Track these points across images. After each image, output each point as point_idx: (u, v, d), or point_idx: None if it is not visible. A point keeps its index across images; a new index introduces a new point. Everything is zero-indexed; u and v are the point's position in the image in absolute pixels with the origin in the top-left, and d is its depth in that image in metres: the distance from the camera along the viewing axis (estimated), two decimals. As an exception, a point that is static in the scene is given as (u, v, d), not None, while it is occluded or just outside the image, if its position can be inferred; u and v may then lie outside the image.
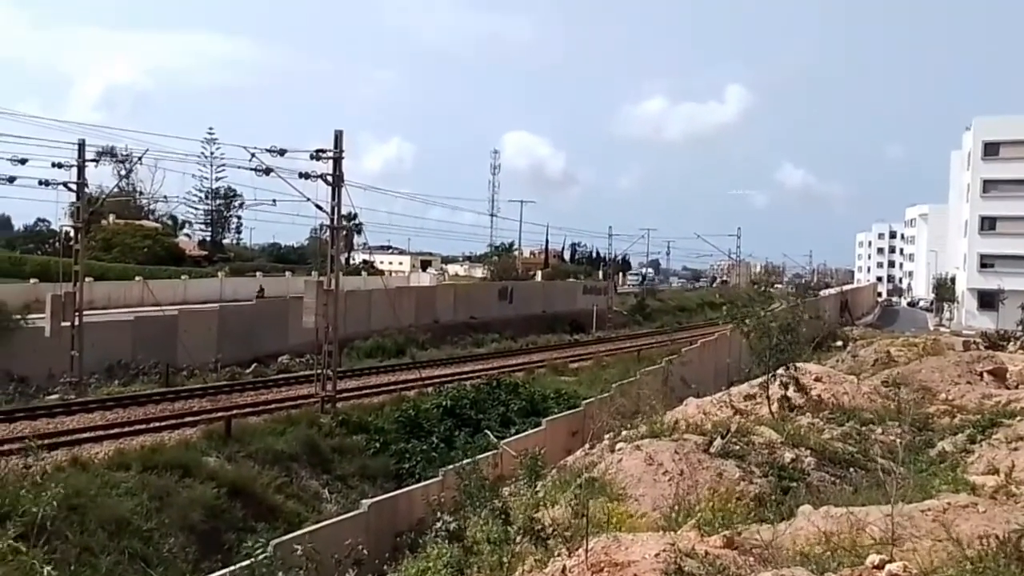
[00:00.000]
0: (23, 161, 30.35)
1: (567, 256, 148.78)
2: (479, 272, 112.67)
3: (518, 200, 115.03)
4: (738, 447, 11.55)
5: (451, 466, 17.50)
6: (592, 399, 24.28)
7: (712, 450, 11.15)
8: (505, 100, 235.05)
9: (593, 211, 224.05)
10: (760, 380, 18.74)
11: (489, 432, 24.62)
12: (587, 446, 17.86)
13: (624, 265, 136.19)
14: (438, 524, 10.21)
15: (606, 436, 16.01)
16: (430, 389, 33.08)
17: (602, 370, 41.83)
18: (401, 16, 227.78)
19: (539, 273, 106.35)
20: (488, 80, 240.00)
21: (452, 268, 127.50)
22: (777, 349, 18.34)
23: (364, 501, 16.64)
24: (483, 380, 34.80)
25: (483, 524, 9.35)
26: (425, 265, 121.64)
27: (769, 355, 18.62)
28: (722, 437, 11.51)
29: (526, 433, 22.75)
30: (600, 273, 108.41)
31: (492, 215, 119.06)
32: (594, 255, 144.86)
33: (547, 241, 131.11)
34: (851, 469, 12.16)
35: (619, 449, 11.59)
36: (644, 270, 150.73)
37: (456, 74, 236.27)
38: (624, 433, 14.22)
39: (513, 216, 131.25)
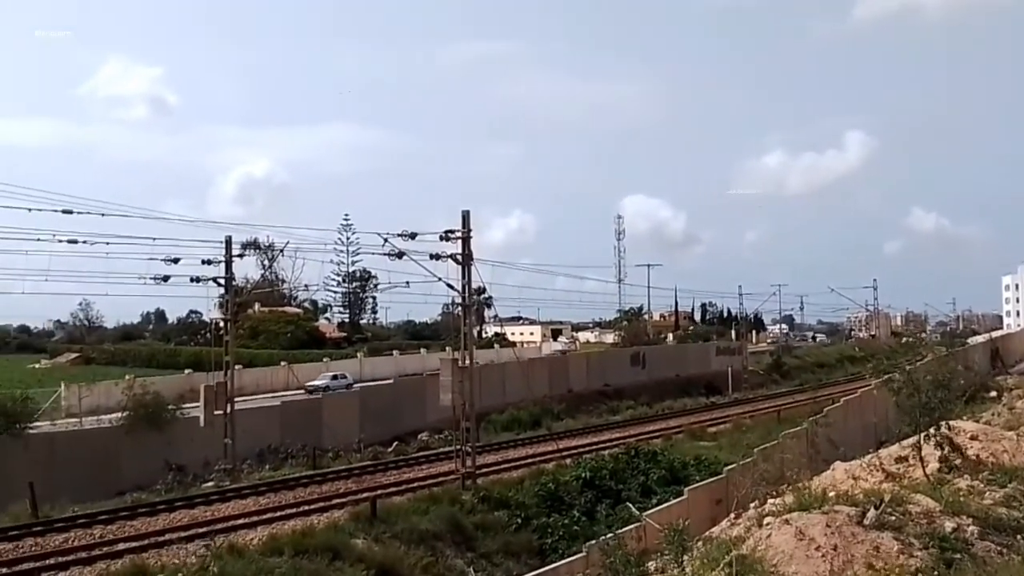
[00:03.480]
0: (175, 260, 32.30)
1: (697, 317, 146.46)
2: (610, 338, 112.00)
3: (644, 264, 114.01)
4: (894, 518, 11.01)
5: (594, 541, 17.34)
6: (734, 465, 23.63)
7: (866, 522, 10.67)
8: (620, 164, 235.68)
9: (719, 270, 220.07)
10: (911, 440, 17.85)
11: (630, 504, 24.33)
12: (732, 516, 17.36)
13: (757, 323, 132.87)
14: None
15: (751, 504, 15.56)
16: (568, 460, 32.98)
17: (742, 434, 40.78)
18: (514, 91, 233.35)
19: (670, 336, 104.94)
20: (602, 146, 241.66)
21: (583, 335, 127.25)
22: (927, 407, 17.44)
23: (509, 580, 16.70)
24: (621, 449, 34.42)
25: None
26: (556, 334, 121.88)
27: (919, 413, 17.73)
28: (875, 508, 11.01)
29: (668, 504, 22.33)
30: (732, 333, 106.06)
31: (619, 280, 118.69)
32: (725, 315, 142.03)
33: (676, 303, 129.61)
34: (1018, 537, 11.40)
35: (767, 524, 11.26)
36: (778, 327, 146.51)
37: (570, 143, 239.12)
38: (770, 503, 13.81)
39: (639, 280, 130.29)
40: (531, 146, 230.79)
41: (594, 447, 36.77)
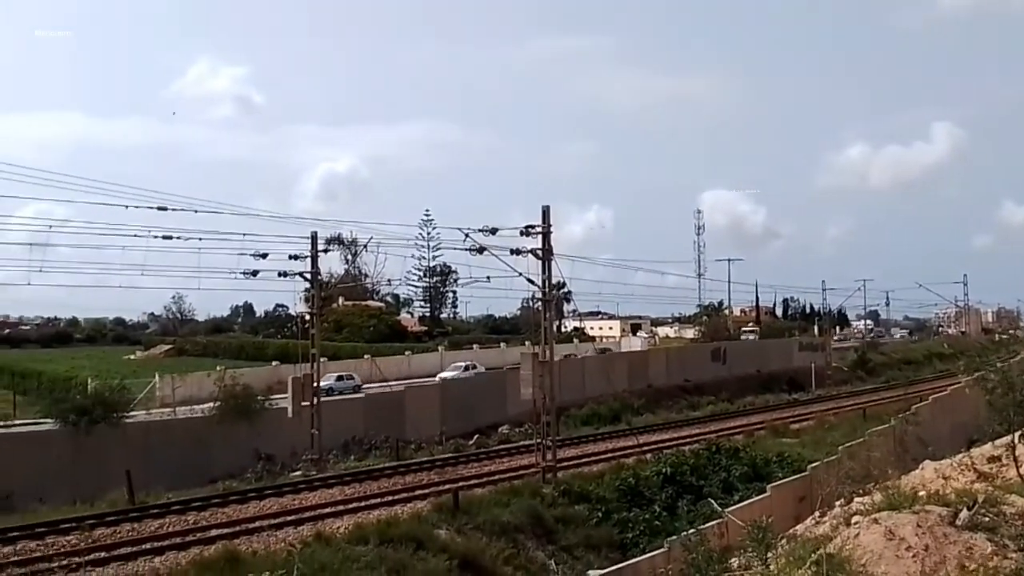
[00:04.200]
0: (264, 255, 33.19)
1: (779, 312, 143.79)
2: (689, 333, 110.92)
3: (724, 259, 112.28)
4: (987, 518, 10.71)
5: (676, 536, 17.28)
6: (818, 463, 23.27)
7: (958, 523, 10.42)
8: (699, 158, 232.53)
9: (800, 264, 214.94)
10: (1005, 440, 17.31)
11: (712, 500, 24.13)
12: (817, 514, 17.09)
13: (840, 319, 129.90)
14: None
15: (836, 503, 15.31)
16: (648, 455, 32.84)
17: (825, 431, 39.98)
18: (592, 87, 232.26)
19: (751, 331, 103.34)
20: (681, 140, 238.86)
21: (662, 330, 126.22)
22: (1022, 406, 16.89)
23: (591, 573, 16.72)
24: (702, 445, 34.12)
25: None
26: (635, 329, 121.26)
27: (1014, 412, 17.18)
28: (968, 508, 10.74)
29: (750, 500, 22.09)
30: (815, 328, 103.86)
31: (699, 275, 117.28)
32: (807, 310, 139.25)
33: (757, 298, 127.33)
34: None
35: (855, 523, 11.08)
36: (862, 323, 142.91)
37: (648, 137, 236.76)
38: (856, 501, 13.59)
39: (719, 275, 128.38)
40: (609, 141, 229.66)
41: (674, 443, 36.54)
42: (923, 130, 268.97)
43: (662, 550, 16.90)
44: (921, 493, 12.49)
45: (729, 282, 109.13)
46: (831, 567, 9.14)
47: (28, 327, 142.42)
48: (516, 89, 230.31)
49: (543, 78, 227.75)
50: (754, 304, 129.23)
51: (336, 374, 52.16)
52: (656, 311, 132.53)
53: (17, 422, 40.97)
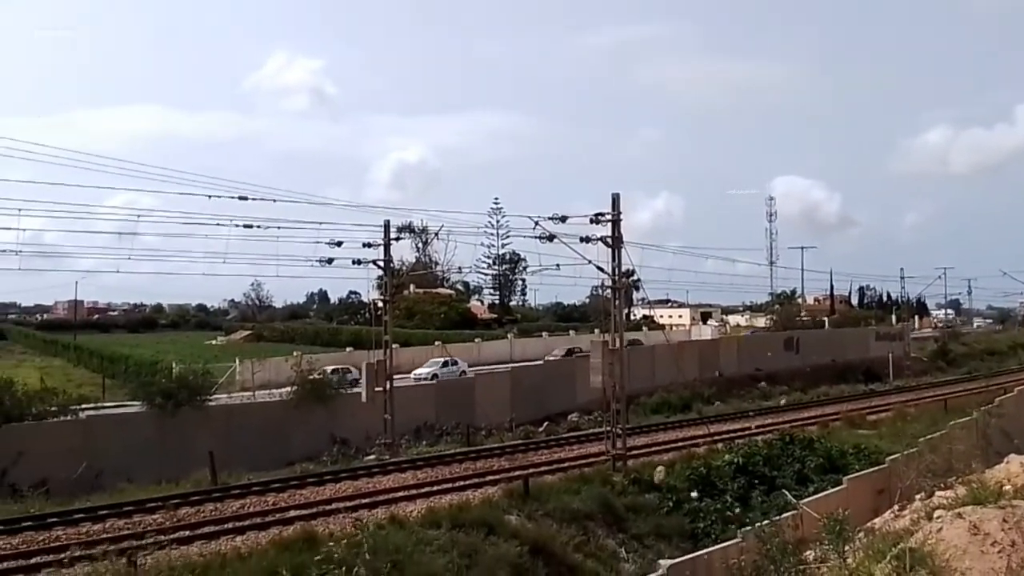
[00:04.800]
0: (339, 244, 33.73)
1: (854, 301, 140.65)
2: (761, 322, 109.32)
3: (797, 246, 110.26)
4: (1076, 514, 10.47)
5: (749, 527, 17.17)
6: (897, 455, 22.85)
7: (1046, 518, 10.21)
8: (771, 145, 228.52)
9: (877, 252, 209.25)
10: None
11: (786, 491, 23.88)
12: (896, 507, 16.81)
13: (920, 308, 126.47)
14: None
15: (916, 497, 15.05)
16: (719, 445, 32.56)
17: (904, 423, 39.09)
18: (660, 74, 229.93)
19: (826, 320, 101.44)
20: (751, 126, 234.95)
21: (733, 319, 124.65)
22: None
23: (662, 562, 16.66)
24: (775, 435, 33.72)
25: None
26: (705, 317, 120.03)
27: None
28: (1056, 504, 10.49)
29: (826, 492, 21.80)
30: (893, 318, 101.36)
31: (771, 263, 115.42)
32: (884, 299, 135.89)
33: (832, 287, 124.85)
34: None
35: (938, 517, 10.89)
36: (943, 312, 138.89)
37: (718, 123, 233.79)
38: (938, 495, 13.34)
39: (792, 262, 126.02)
40: (678, 128, 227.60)
41: (746, 432, 36.16)
42: (1006, 112, 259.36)
43: (735, 540, 16.82)
44: (1007, 487, 12.22)
45: (802, 270, 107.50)
46: (912, 562, 9.01)
47: (116, 313, 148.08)
48: (585, 78, 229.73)
49: (612, 66, 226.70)
50: (828, 293, 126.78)
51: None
52: (727, 299, 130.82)
53: (106, 404, 42.53)
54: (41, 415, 32.31)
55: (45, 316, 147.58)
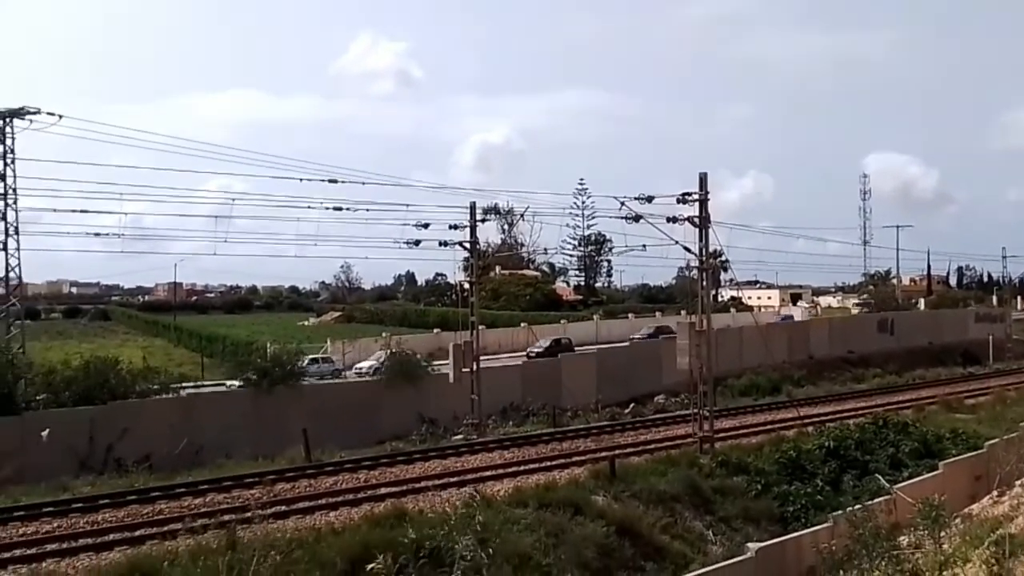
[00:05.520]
0: (425, 226, 34.18)
1: (952, 282, 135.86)
2: (853, 303, 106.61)
3: (892, 225, 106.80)
4: None
5: (840, 511, 16.94)
6: (996, 440, 22.15)
7: None
8: (863, 120, 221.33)
9: (976, 231, 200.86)
10: None
11: (879, 476, 23.43)
12: (995, 493, 16.41)
13: (1022, 288, 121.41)
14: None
15: (1017, 483, 14.65)
16: (810, 428, 32.05)
17: (1005, 407, 37.84)
18: (747, 49, 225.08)
19: (922, 301, 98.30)
20: (843, 101, 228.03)
21: (824, 300, 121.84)
22: None
23: (750, 545, 16.57)
24: (867, 419, 33.01)
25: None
26: (795, 298, 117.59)
27: None
28: None
29: (921, 477, 21.34)
30: (994, 298, 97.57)
31: (864, 243, 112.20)
32: (985, 279, 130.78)
33: (928, 267, 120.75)
34: None
35: (1037, 504, 10.60)
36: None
37: (808, 100, 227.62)
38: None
39: (886, 242, 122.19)
40: (767, 104, 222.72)
41: (838, 416, 35.50)
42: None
43: (826, 524, 16.64)
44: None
45: (897, 249, 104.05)
46: (1012, 548, 8.82)
47: (213, 295, 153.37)
48: (669, 55, 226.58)
49: (698, 42, 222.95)
50: (924, 273, 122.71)
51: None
52: (818, 280, 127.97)
53: (205, 383, 44.14)
54: (144, 393, 33.71)
55: (146, 298, 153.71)
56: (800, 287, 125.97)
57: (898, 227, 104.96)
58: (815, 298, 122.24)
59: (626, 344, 54.83)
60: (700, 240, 29.96)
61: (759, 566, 15.15)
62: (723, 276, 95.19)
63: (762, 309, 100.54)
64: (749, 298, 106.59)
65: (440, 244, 34.83)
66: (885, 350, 59.84)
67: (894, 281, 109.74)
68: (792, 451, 28.43)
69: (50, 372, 33.80)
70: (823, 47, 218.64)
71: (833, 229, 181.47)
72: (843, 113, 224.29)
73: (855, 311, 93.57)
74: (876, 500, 17.07)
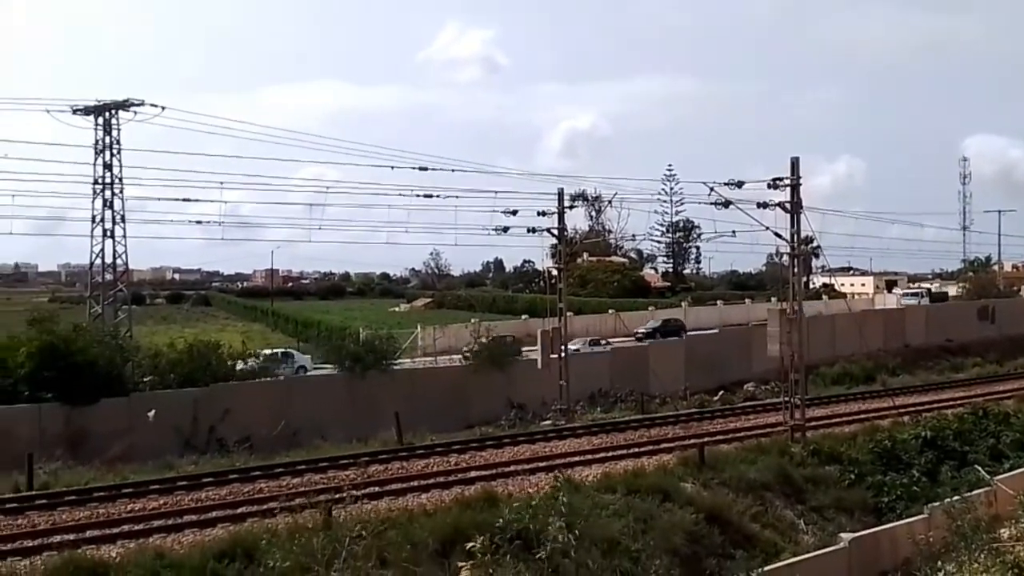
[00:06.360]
0: (514, 212, 34.39)
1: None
2: (952, 290, 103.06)
3: (993, 210, 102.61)
4: None
5: (937, 503, 16.63)
6: (1107, 433, 21.37)
7: None
8: (961, 103, 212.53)
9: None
10: None
11: (979, 467, 22.84)
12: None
13: None
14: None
15: None
16: (906, 418, 31.33)
17: (1117, 399, 36.14)
18: (839, 30, 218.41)
19: None
20: (939, 82, 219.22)
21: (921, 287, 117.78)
22: None
23: (843, 535, 16.45)
24: (966, 409, 32.11)
25: (983, 573, 8.95)
26: (890, 285, 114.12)
27: None
28: None
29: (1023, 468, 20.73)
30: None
31: (964, 228, 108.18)
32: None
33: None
34: None
35: None
36: None
37: (902, 81, 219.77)
38: None
39: (987, 227, 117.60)
40: (859, 87, 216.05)
41: (935, 405, 34.57)
42: None
43: (922, 516, 16.40)
44: None
45: (999, 235, 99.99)
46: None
47: (307, 281, 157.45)
48: (757, 38, 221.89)
49: (785, 24, 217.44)
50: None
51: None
52: (914, 267, 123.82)
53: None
54: (244, 376, 34.94)
55: (245, 284, 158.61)
56: (895, 274, 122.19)
57: (999, 212, 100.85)
58: (911, 285, 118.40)
59: (715, 331, 54.33)
60: (791, 226, 29.50)
61: (852, 556, 15.06)
62: (815, 263, 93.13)
63: (856, 296, 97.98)
64: (842, 285, 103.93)
65: (528, 231, 35.02)
66: (985, 338, 57.97)
67: (995, 267, 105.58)
68: (887, 441, 27.85)
69: (156, 355, 35.25)
70: (915, 27, 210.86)
71: (930, 214, 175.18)
72: (939, 95, 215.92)
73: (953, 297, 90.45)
74: (975, 492, 16.71)
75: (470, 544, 9.45)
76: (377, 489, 22.17)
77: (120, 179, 38.34)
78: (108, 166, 38.25)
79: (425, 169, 32.20)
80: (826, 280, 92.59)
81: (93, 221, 38.62)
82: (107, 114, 37.97)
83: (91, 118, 37.97)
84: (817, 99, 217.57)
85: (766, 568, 15.25)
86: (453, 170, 32.67)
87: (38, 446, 25.32)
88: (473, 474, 23.90)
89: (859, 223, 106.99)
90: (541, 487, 21.66)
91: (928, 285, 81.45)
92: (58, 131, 38.53)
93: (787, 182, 29.21)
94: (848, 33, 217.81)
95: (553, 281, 38.71)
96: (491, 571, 9.27)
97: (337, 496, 19.10)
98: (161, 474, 24.29)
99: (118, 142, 38.25)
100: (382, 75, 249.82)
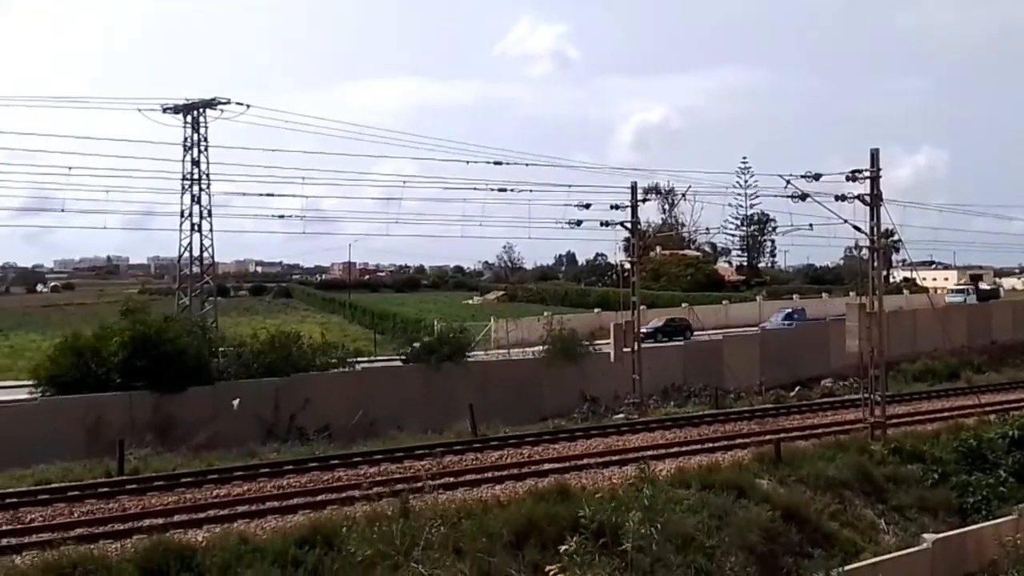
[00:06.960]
0: (587, 206, 34.39)
1: None
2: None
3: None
4: None
5: (1026, 505, 16.19)
6: None
7: None
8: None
9: None
10: None
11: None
12: None
13: None
14: None
15: None
16: (992, 417, 30.44)
17: None
18: (918, 18, 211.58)
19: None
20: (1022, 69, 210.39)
21: (1008, 282, 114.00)
22: None
23: (926, 536, 16.13)
24: (1058, 408, 31.01)
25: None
26: (975, 279, 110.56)
27: None
28: None
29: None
30: None
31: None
32: None
33: None
34: None
35: None
36: None
37: (986, 69, 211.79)
38: None
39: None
40: (940, 76, 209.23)
41: (1023, 404, 33.42)
42: None
43: (1010, 517, 15.99)
44: None
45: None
46: None
47: (383, 274, 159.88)
48: (833, 27, 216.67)
49: (858, 12, 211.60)
50: None
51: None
52: (1000, 260, 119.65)
53: (378, 357, 46.19)
54: (323, 366, 35.68)
55: (323, 276, 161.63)
56: (980, 267, 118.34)
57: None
58: (997, 279, 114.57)
59: (791, 325, 53.46)
60: (871, 219, 28.88)
61: (936, 558, 14.76)
62: (895, 256, 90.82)
63: (938, 291, 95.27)
64: (924, 279, 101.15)
65: (601, 224, 34.99)
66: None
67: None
68: (972, 440, 27.03)
69: (240, 345, 36.28)
70: (992, 11, 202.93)
71: (1018, 206, 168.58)
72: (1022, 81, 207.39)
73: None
74: (1066, 494, 16.21)
75: (563, 547, 9.50)
76: (452, 480, 22.31)
77: (207, 175, 39.56)
78: (196, 163, 39.46)
79: (500, 163, 32.47)
80: (907, 274, 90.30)
81: (181, 216, 39.93)
82: (195, 112, 39.16)
83: (180, 116, 39.22)
84: (895, 89, 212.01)
85: (846, 567, 15.06)
86: (527, 164, 32.88)
87: (129, 432, 26.32)
88: (546, 466, 23.95)
89: (942, 216, 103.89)
90: (615, 480, 21.61)
91: (984, 284, 78.48)
92: (147, 129, 39.99)
93: (866, 174, 28.62)
94: (923, 20, 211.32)
95: (626, 275, 38.59)
96: (580, 572, 9.30)
97: (413, 486, 19.51)
98: (245, 461, 24.94)
99: (205, 139, 39.49)
100: (459, 70, 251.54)
